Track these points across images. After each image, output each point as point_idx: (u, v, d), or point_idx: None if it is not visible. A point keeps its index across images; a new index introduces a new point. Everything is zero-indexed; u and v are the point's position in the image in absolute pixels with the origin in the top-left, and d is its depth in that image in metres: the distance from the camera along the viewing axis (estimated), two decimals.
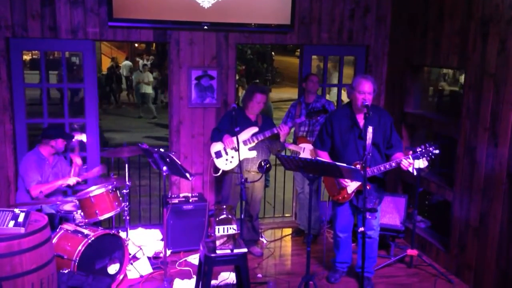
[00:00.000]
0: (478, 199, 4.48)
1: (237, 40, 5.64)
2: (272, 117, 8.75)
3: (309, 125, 5.42)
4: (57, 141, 4.75)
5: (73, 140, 5.12)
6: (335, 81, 6.99)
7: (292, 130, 5.72)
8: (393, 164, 4.07)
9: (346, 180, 4.23)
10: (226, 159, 4.91)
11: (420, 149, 3.98)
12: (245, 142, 4.85)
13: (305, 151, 5.29)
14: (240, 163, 4.53)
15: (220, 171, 4.95)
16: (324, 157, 4.37)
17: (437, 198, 5.71)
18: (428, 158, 3.99)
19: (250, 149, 4.88)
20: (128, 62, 19.52)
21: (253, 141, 4.85)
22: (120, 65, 19.22)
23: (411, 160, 4.00)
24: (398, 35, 5.82)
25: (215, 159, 4.95)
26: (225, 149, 4.90)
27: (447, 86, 11.06)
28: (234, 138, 4.83)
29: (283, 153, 5.06)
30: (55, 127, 4.98)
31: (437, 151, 3.95)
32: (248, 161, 4.92)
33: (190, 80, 5.54)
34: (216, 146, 4.94)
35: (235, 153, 4.86)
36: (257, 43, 6.31)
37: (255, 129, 4.85)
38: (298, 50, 8.15)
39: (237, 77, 15.49)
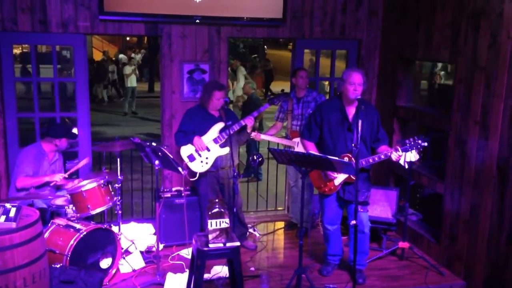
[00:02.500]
0: (468, 191, 4.52)
1: (229, 34, 5.62)
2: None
3: (301, 119, 5.43)
4: (62, 140, 4.74)
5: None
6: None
7: (285, 124, 5.73)
8: (382, 157, 4.12)
9: (334, 172, 4.25)
10: (201, 161, 4.82)
11: (408, 142, 4.03)
12: (215, 140, 4.80)
13: (299, 145, 5.30)
14: (232, 159, 4.53)
15: (197, 175, 4.86)
16: (311, 148, 4.39)
17: (428, 191, 5.75)
18: (417, 150, 4.03)
19: (221, 146, 4.82)
20: (122, 56, 19.46)
21: (223, 138, 4.78)
22: (113, 58, 19.12)
23: (400, 153, 4.04)
24: (390, 28, 5.83)
25: (189, 163, 4.82)
26: (197, 151, 4.81)
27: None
28: (204, 137, 4.79)
29: (275, 147, 5.06)
30: (60, 125, 4.95)
31: (425, 144, 4.00)
32: (222, 158, 4.87)
33: (182, 74, 5.52)
34: (187, 150, 4.82)
35: (209, 153, 4.82)
36: (249, 36, 6.30)
37: (221, 125, 4.80)
38: (291, 43, 8.15)
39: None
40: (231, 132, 4.74)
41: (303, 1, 5.69)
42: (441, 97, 7.08)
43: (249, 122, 4.81)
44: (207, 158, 4.82)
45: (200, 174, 4.88)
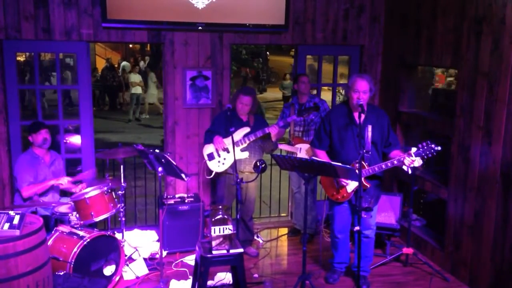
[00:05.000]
0: (472, 197, 4.51)
1: (232, 41, 5.64)
2: (264, 116, 8.76)
3: (304, 125, 5.43)
4: (32, 136, 4.72)
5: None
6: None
7: (287, 130, 5.72)
8: (395, 162, 4.03)
9: (345, 180, 4.22)
10: (219, 161, 4.89)
11: (421, 146, 3.92)
12: (237, 143, 4.83)
13: (301, 151, 5.30)
14: (235, 163, 4.54)
15: (213, 173, 4.94)
16: (322, 156, 4.35)
17: (432, 197, 5.73)
18: (430, 155, 3.95)
19: (242, 150, 4.87)
20: (126, 63, 19.54)
21: (245, 142, 4.84)
22: (115, 66, 19.21)
23: (413, 158, 3.95)
24: (392, 34, 5.84)
25: (207, 162, 4.93)
26: (217, 151, 4.89)
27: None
28: (225, 140, 4.84)
29: (278, 153, 5.06)
30: (30, 124, 4.91)
31: (438, 148, 3.90)
32: (241, 162, 4.90)
33: (185, 81, 5.53)
34: (208, 148, 4.93)
35: (227, 154, 4.86)
36: (251, 43, 6.32)
37: (246, 130, 4.85)
38: (293, 49, 8.21)
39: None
40: (254, 138, 4.82)
41: (305, 8, 5.71)
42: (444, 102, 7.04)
43: (273, 130, 4.84)
44: (224, 159, 4.88)
45: (219, 174, 4.96)
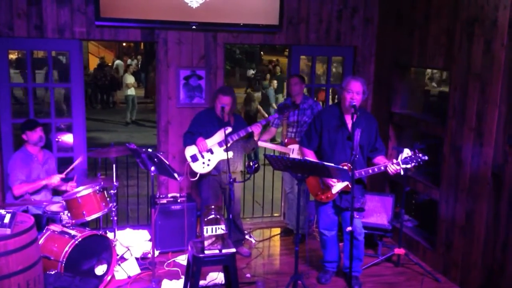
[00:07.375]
0: (463, 198, 4.53)
1: (226, 40, 5.64)
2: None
3: (297, 126, 5.43)
4: (27, 134, 4.69)
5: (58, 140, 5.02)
6: None
7: (279, 130, 5.73)
8: (382, 168, 4.10)
9: (333, 180, 4.24)
10: (203, 162, 4.86)
11: (409, 156, 3.98)
12: (220, 144, 4.82)
13: (294, 152, 5.30)
14: (228, 163, 4.53)
15: (198, 175, 4.91)
16: (310, 156, 4.37)
17: (424, 197, 5.76)
18: (417, 164, 4.00)
19: (225, 150, 4.85)
20: (119, 62, 19.45)
21: (228, 142, 4.82)
22: (108, 64, 19.12)
23: (401, 166, 4.01)
24: (385, 35, 5.86)
25: (191, 163, 4.89)
26: (200, 152, 4.86)
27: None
28: (207, 141, 4.82)
29: (271, 153, 5.06)
30: (23, 122, 4.87)
31: (425, 158, 3.96)
32: (225, 162, 4.89)
33: (179, 80, 5.52)
34: (191, 150, 4.89)
35: (211, 155, 4.85)
36: (245, 43, 6.32)
37: (229, 129, 4.82)
38: (287, 49, 8.23)
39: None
40: (237, 137, 4.79)
41: (299, 8, 5.71)
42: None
43: (256, 129, 4.83)
44: (209, 160, 4.85)
45: (202, 176, 4.92)
